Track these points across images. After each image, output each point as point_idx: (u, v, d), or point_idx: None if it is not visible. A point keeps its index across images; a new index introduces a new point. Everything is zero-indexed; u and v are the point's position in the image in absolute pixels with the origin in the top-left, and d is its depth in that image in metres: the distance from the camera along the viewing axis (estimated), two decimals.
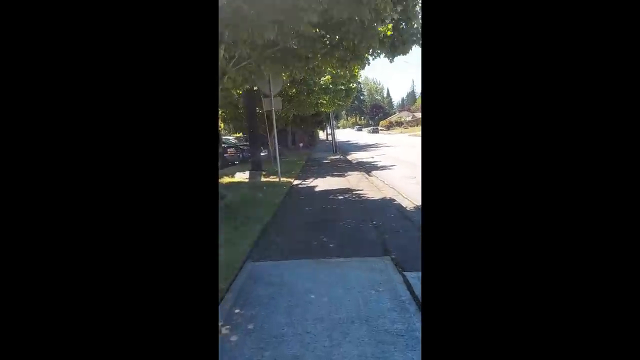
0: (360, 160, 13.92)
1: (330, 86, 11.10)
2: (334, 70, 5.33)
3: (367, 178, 8.15)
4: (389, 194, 5.90)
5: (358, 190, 6.35)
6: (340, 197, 5.76)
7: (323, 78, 10.48)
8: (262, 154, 15.81)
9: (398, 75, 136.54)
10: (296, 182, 8.02)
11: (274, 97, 7.16)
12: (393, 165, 10.82)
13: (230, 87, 6.26)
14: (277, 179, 8.02)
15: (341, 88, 11.99)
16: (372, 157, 14.77)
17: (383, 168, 10.57)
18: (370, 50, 4.57)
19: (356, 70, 6.71)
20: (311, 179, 8.45)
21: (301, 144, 23.63)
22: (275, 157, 7.70)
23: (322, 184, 7.52)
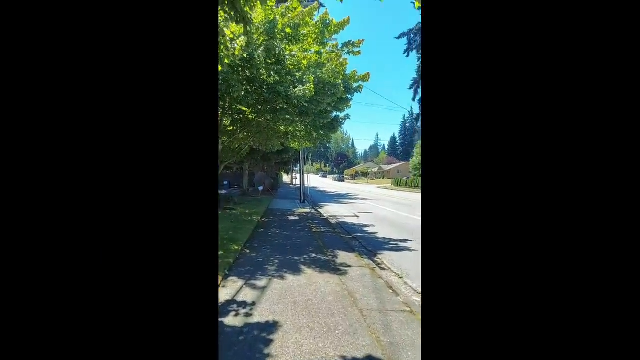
0: (341, 220, 9.53)
1: (307, 104, 6.90)
2: None
3: (389, 286, 3.69)
4: None
5: None
6: None
7: (301, 87, 6.29)
8: None
9: (363, 127, 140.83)
10: (226, 293, 3.32)
11: None
12: (405, 241, 6.54)
13: None
14: None
15: (327, 109, 7.85)
16: (356, 216, 10.46)
17: (392, 245, 6.21)
18: None
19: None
20: (262, 282, 3.77)
21: (260, 188, 18.95)
22: None
23: (289, 316, 2.90)
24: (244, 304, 2.99)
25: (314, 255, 5.01)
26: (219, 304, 2.99)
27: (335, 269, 4.25)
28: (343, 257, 4.92)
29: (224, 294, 3.22)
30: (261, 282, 3.63)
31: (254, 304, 3.01)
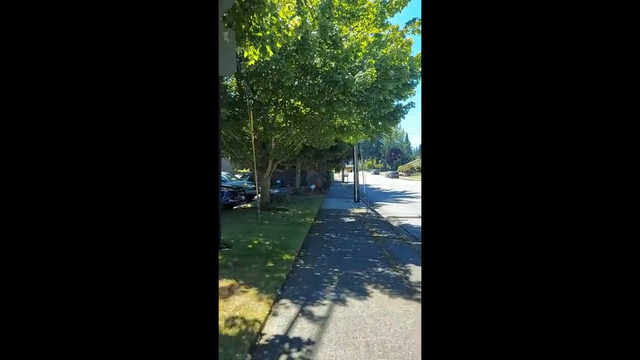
0: (403, 222, 8.50)
1: (366, 92, 6.00)
2: None
3: None
4: None
5: None
6: None
7: (361, 73, 5.43)
8: (256, 197, 10.65)
9: (418, 119, 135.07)
10: (277, 325, 2.61)
11: (226, 30, 2.03)
12: None
13: None
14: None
15: (387, 97, 6.87)
16: (421, 218, 9.33)
17: None
18: None
19: None
20: (321, 309, 2.99)
21: (312, 186, 18.49)
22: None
23: None
24: (298, 344, 2.27)
25: (380, 269, 4.16)
26: (268, 339, 2.30)
27: (412, 291, 3.36)
28: (419, 273, 4.00)
29: (274, 326, 2.54)
30: (320, 309, 2.89)
31: (312, 344, 2.28)
